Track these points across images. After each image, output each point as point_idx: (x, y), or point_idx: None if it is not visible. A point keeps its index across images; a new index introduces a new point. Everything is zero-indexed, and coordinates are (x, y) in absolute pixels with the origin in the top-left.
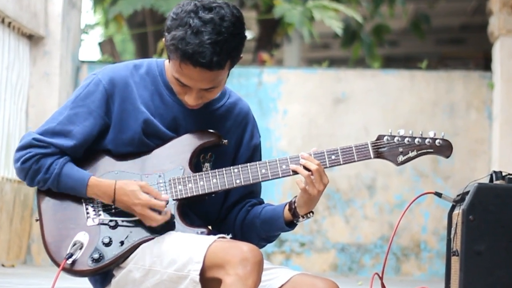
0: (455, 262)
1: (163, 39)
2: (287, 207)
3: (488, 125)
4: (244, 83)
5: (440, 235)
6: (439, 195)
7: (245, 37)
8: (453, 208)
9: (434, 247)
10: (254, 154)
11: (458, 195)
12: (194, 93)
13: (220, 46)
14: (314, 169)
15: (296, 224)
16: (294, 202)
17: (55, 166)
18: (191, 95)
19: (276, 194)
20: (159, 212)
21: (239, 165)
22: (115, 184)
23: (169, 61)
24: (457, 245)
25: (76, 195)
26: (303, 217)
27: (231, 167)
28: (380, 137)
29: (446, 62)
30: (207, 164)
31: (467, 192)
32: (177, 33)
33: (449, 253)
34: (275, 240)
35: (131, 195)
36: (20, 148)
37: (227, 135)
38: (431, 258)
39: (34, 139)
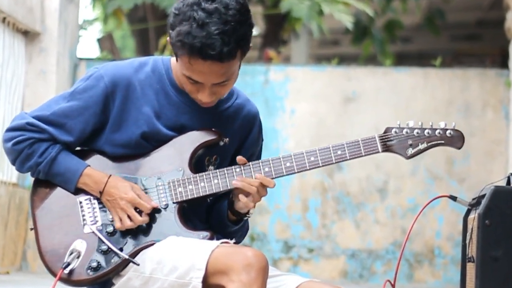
0: (471, 268)
1: (168, 38)
2: (228, 208)
3: (505, 125)
4: (250, 81)
5: (455, 240)
6: (454, 198)
7: (252, 24)
8: (468, 212)
9: (449, 253)
10: (250, 159)
11: (473, 199)
12: (207, 90)
13: (228, 36)
14: (257, 185)
15: (242, 219)
16: (233, 203)
17: (51, 150)
18: (204, 92)
19: (283, 198)
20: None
21: (241, 165)
22: (109, 176)
23: (177, 60)
24: (472, 251)
25: (64, 183)
26: (246, 215)
27: (233, 167)
28: (388, 130)
29: (461, 59)
30: (211, 167)
31: (483, 196)
32: (182, 28)
33: (465, 259)
34: (237, 236)
35: (121, 188)
36: (12, 129)
37: (234, 137)
38: (446, 265)
39: (27, 123)
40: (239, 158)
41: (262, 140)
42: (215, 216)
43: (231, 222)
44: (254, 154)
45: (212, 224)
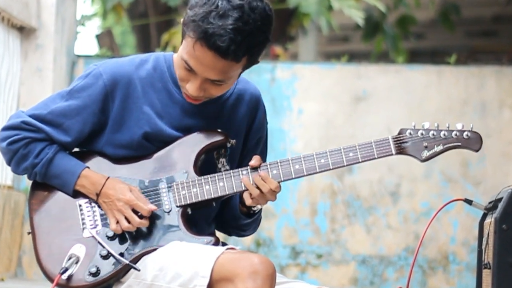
0: (487, 275)
1: (181, 20)
2: (239, 201)
3: None
4: (256, 79)
5: (471, 246)
6: (469, 202)
7: (269, 39)
8: (484, 216)
9: (464, 259)
10: (258, 145)
11: (490, 202)
12: (198, 82)
13: (241, 36)
14: (266, 191)
15: (254, 213)
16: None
17: (48, 151)
18: (193, 83)
19: (291, 202)
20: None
21: (248, 167)
22: (108, 178)
23: (182, 41)
24: (489, 257)
25: (61, 185)
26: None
27: (239, 169)
28: (402, 131)
29: (477, 57)
30: (222, 159)
31: (500, 199)
32: (201, 10)
33: (480, 265)
34: (251, 229)
35: (118, 190)
36: (8, 128)
37: (241, 124)
38: (461, 271)
39: (23, 122)
40: (252, 163)
41: (267, 122)
42: (228, 210)
43: (244, 214)
44: (261, 138)
45: (225, 218)
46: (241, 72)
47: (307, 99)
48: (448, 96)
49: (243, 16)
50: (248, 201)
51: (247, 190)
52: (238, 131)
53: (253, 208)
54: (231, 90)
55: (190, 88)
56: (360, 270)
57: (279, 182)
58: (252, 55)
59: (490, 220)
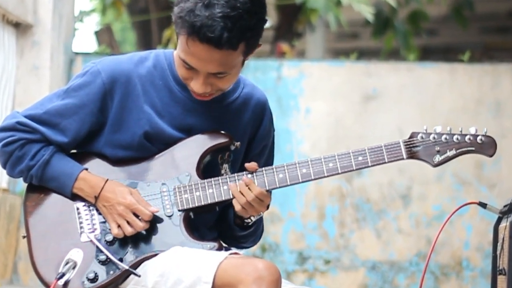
0: (502, 282)
1: (172, 19)
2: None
3: None
4: (261, 78)
5: (485, 251)
6: (483, 205)
7: (264, 19)
8: (499, 220)
9: (478, 265)
10: (263, 152)
11: (505, 206)
12: (201, 78)
13: (232, 22)
14: (251, 199)
15: (248, 225)
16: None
17: (44, 152)
18: (197, 80)
19: (298, 205)
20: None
21: (254, 171)
22: (106, 180)
23: (177, 40)
24: (504, 262)
25: (58, 188)
26: (248, 220)
27: (245, 172)
28: (413, 135)
29: (492, 54)
30: (225, 165)
31: None
32: (186, 5)
33: (495, 271)
34: (249, 241)
35: (118, 193)
36: (3, 129)
37: (245, 129)
38: (474, 278)
39: (18, 123)
40: (248, 165)
41: (274, 130)
42: (224, 219)
43: (238, 226)
44: (267, 146)
45: (221, 228)
46: (245, 59)
47: (314, 98)
48: (461, 95)
49: (230, 2)
50: (237, 207)
51: None
52: (241, 136)
53: (246, 220)
54: (237, 93)
55: (195, 85)
56: (370, 277)
57: (269, 190)
58: (249, 39)
59: (505, 224)
